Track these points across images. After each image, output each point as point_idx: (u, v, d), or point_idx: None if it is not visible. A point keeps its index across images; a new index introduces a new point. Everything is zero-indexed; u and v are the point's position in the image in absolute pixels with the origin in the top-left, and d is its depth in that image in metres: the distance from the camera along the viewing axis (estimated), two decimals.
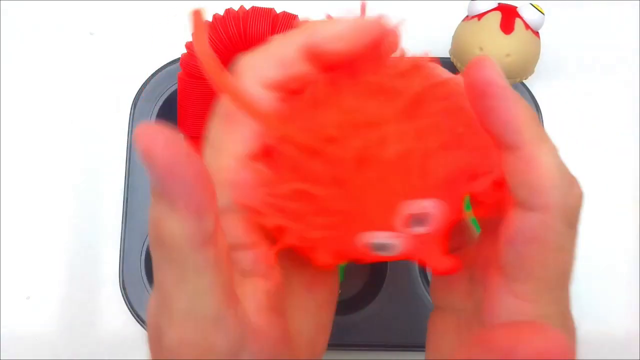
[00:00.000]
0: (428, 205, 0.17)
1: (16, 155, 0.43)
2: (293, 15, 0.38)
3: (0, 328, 0.40)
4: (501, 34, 0.35)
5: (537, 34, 0.36)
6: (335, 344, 0.37)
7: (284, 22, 0.37)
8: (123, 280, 0.38)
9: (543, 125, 0.41)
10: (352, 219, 0.17)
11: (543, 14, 0.36)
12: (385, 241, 0.18)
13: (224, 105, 0.20)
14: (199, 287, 0.16)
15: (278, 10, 0.38)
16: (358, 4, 0.49)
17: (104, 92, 0.45)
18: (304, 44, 0.18)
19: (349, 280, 0.40)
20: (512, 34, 0.35)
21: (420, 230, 0.18)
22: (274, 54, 0.19)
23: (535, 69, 0.43)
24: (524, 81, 0.41)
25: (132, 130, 0.41)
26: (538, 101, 0.41)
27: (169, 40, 0.42)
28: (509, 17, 0.35)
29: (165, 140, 0.15)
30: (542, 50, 0.45)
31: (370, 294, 0.38)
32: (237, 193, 0.18)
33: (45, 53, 0.46)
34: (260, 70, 0.19)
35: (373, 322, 0.37)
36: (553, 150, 0.17)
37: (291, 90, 0.19)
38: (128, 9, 0.47)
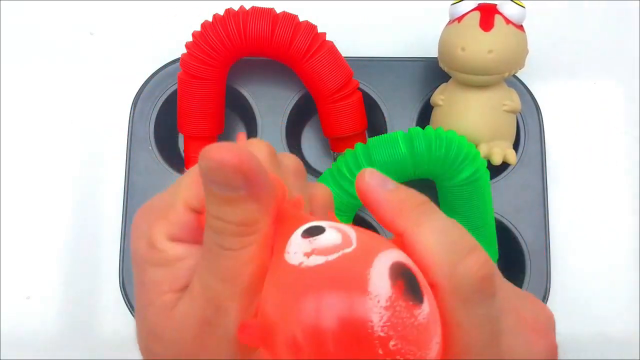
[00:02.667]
0: None
1: (16, 156, 0.43)
2: (293, 15, 0.38)
3: (0, 328, 0.40)
4: (481, 31, 0.35)
5: (520, 27, 0.36)
6: None
7: (284, 22, 0.37)
8: (123, 280, 0.38)
9: (543, 124, 0.41)
10: None
11: (523, 7, 0.36)
12: None
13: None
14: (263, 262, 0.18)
15: (278, 10, 0.38)
16: (353, 5, 0.50)
17: (104, 92, 0.45)
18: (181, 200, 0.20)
19: None
20: (492, 30, 0.35)
21: None
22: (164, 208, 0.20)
23: (535, 68, 0.43)
24: (524, 81, 0.42)
25: (132, 130, 0.41)
26: (538, 101, 0.41)
27: (169, 40, 0.42)
28: (488, 14, 0.36)
29: (232, 148, 0.16)
30: (542, 50, 0.46)
31: None
32: None
33: (45, 53, 0.46)
34: (162, 226, 0.19)
35: None
36: (435, 227, 0.17)
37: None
38: (128, 9, 0.47)
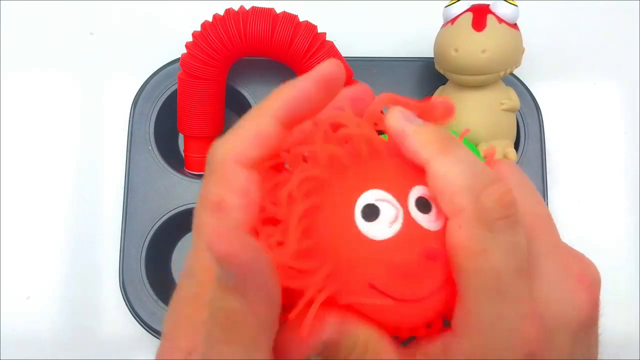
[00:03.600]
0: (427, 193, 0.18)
1: (16, 156, 0.43)
2: (293, 15, 0.38)
3: (0, 328, 0.40)
4: (474, 32, 0.35)
5: (514, 26, 0.36)
6: None
7: (284, 22, 0.37)
8: (123, 280, 0.38)
9: (543, 124, 0.41)
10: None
11: (516, 6, 0.36)
12: (380, 201, 0.18)
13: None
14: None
15: (278, 10, 0.38)
16: (353, 5, 0.50)
17: (104, 92, 0.45)
18: (277, 115, 0.19)
19: None
20: (485, 30, 0.35)
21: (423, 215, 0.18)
22: (249, 131, 0.19)
23: (535, 68, 0.43)
24: (524, 81, 0.42)
25: (132, 130, 0.41)
26: (538, 101, 0.41)
27: (169, 40, 0.42)
28: (480, 15, 0.36)
29: (241, 242, 0.15)
30: (542, 50, 0.46)
31: None
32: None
33: (45, 53, 0.46)
34: (240, 151, 0.19)
35: None
36: (457, 157, 0.18)
37: (272, 166, 0.19)
38: (128, 9, 0.47)
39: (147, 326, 0.38)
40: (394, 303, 0.17)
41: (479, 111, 0.37)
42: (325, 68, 0.19)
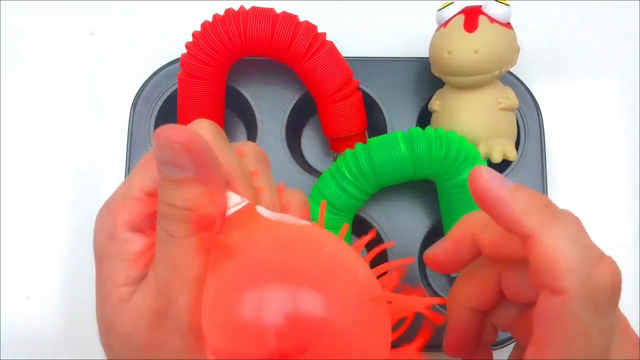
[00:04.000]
0: None
1: (16, 156, 0.43)
2: (293, 15, 0.38)
3: (0, 328, 0.40)
4: (465, 33, 0.36)
5: (507, 25, 0.36)
6: None
7: (284, 22, 0.37)
8: None
9: (543, 124, 0.41)
10: None
11: (507, 5, 0.36)
12: None
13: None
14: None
15: (278, 10, 0.38)
16: (353, 5, 0.50)
17: (104, 93, 0.45)
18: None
19: None
20: (477, 30, 0.35)
21: None
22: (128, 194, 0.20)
23: (534, 68, 0.43)
24: (524, 81, 0.42)
25: (132, 131, 0.41)
26: (538, 101, 0.41)
27: (169, 40, 0.42)
28: (472, 16, 0.36)
29: (181, 128, 0.17)
30: (542, 50, 0.46)
31: None
32: None
33: (45, 53, 0.46)
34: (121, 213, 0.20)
35: None
36: (566, 230, 0.17)
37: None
38: (128, 9, 0.47)
39: None
40: None
41: (476, 112, 0.37)
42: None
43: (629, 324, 0.20)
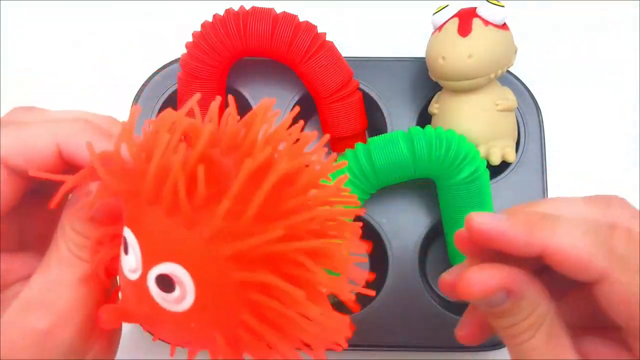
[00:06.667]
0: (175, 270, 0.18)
1: None
2: (293, 15, 0.38)
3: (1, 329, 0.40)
4: (459, 37, 0.35)
5: (502, 26, 0.36)
6: None
7: (284, 22, 0.37)
8: None
9: (543, 124, 0.41)
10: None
11: (501, 6, 0.36)
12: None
13: None
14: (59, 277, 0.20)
15: (278, 10, 0.38)
16: (353, 5, 0.50)
17: (104, 92, 0.45)
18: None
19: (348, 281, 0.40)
20: (471, 34, 0.35)
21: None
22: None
23: (535, 68, 0.43)
24: (524, 81, 0.42)
25: None
26: (538, 101, 0.41)
27: (169, 40, 0.42)
28: (466, 19, 0.36)
29: None
30: (542, 50, 0.46)
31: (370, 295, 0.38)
32: None
33: (45, 53, 0.46)
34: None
35: (373, 322, 0.37)
36: (570, 224, 0.18)
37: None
38: (128, 9, 0.47)
39: None
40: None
41: (475, 114, 0.37)
42: None
43: None
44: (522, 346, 0.19)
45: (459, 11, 0.37)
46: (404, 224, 0.39)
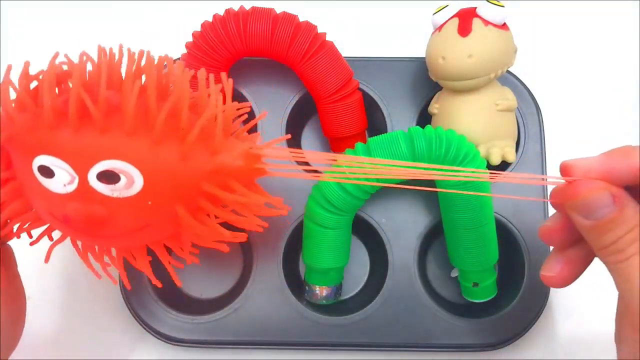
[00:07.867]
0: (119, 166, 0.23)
1: None
2: (293, 15, 0.38)
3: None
4: (459, 37, 0.35)
5: (502, 26, 0.36)
6: (334, 344, 0.37)
7: (284, 22, 0.37)
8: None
9: (543, 124, 0.41)
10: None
11: (501, 6, 0.36)
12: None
13: None
14: None
15: (278, 11, 0.38)
16: (353, 5, 0.50)
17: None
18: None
19: (349, 281, 0.40)
20: (470, 34, 0.35)
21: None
22: None
23: (535, 68, 0.43)
24: (524, 81, 0.42)
25: None
26: (538, 101, 0.41)
27: (169, 40, 0.42)
28: (466, 19, 0.36)
29: None
30: (542, 50, 0.46)
31: (369, 295, 0.38)
32: None
33: (45, 53, 0.46)
34: None
35: (373, 322, 0.37)
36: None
37: None
38: (128, 9, 0.47)
39: (147, 326, 0.38)
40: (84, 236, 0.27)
41: (475, 114, 0.37)
42: None
43: None
44: (629, 261, 0.19)
45: (459, 11, 0.37)
46: (404, 224, 0.39)
